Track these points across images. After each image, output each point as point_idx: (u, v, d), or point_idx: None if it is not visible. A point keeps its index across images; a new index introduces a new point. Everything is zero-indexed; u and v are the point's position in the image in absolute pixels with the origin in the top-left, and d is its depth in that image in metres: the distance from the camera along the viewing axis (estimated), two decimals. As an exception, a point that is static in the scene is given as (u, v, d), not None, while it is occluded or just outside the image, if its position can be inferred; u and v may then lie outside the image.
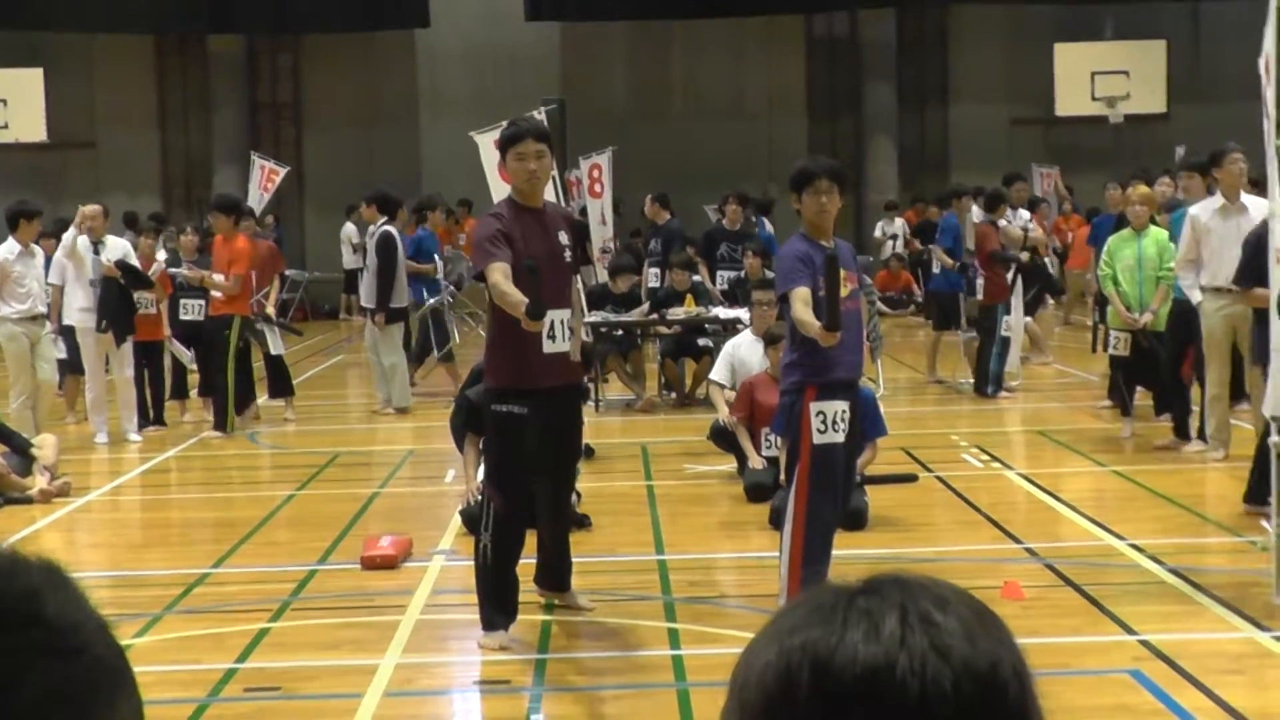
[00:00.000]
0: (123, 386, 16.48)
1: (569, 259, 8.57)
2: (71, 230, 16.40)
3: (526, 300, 7.75)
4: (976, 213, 18.79)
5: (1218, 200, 13.08)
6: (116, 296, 16.15)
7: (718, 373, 14.18)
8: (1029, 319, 19.87)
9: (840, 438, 8.28)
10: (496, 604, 8.41)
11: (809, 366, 8.29)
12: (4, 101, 31.03)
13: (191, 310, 17.20)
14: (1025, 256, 17.81)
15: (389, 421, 17.56)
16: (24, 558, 1.42)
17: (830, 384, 8.27)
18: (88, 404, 16.54)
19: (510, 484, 8.43)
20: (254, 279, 17.76)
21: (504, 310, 8.11)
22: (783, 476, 11.37)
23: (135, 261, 16.63)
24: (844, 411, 8.29)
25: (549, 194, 14.36)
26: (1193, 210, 13.21)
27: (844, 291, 8.23)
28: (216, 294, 16.45)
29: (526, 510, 8.59)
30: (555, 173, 15.56)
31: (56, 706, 1.32)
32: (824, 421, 8.20)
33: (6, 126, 31.07)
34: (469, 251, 31.03)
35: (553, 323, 8.18)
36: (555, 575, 9.04)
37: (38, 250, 15.90)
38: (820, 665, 1.24)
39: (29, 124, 31.11)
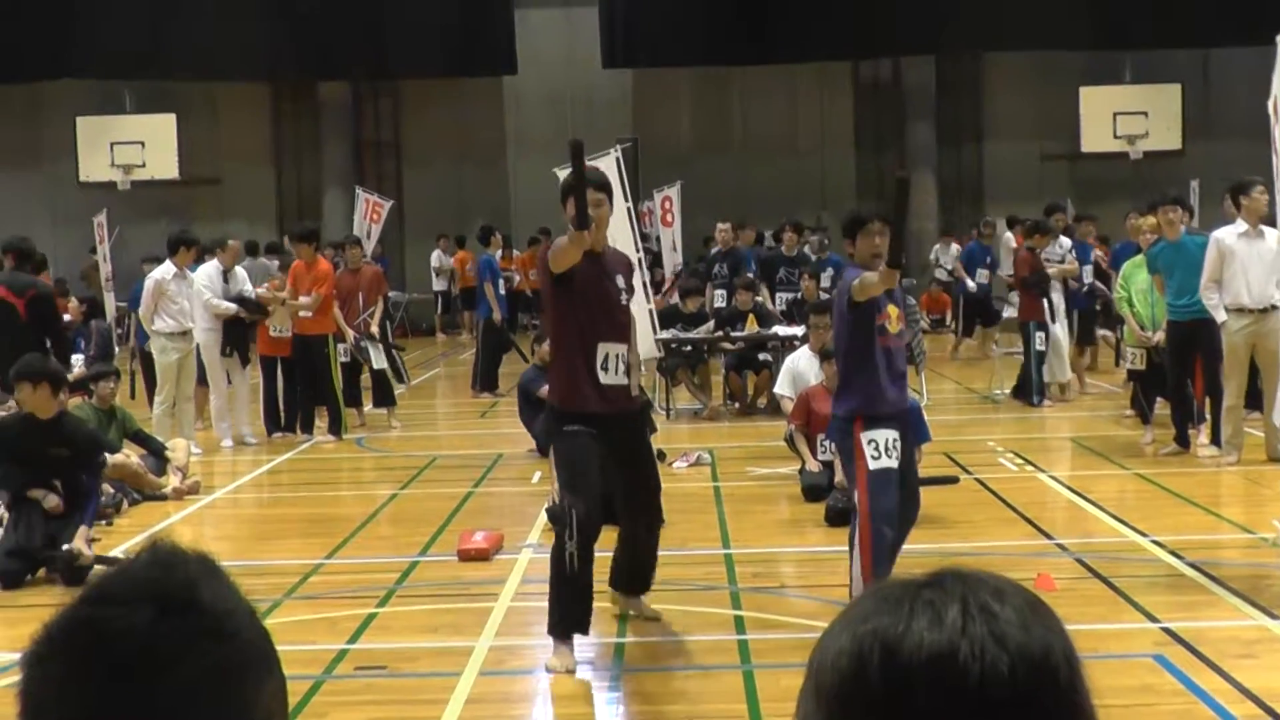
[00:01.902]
0: (242, 398, 16.67)
1: (625, 301, 8.20)
2: (216, 268, 16.61)
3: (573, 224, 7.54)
4: (1010, 239, 18.74)
5: (1241, 226, 12.95)
6: (238, 325, 16.49)
7: (781, 385, 14.29)
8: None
9: (893, 463, 8.13)
10: (574, 611, 7.86)
11: (859, 394, 8.19)
12: (142, 144, 31.42)
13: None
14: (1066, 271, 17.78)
15: (482, 427, 17.61)
16: (182, 550, 1.43)
17: (877, 416, 8.15)
18: (212, 412, 16.69)
19: (587, 491, 7.92)
20: (361, 300, 17.95)
21: (562, 334, 8.01)
22: (837, 478, 11.39)
23: (249, 287, 16.88)
24: (895, 439, 8.14)
25: (624, 226, 14.45)
26: (1218, 234, 13.07)
27: (894, 329, 8.17)
28: (305, 313, 16.56)
29: (602, 511, 8.18)
30: (630, 205, 15.60)
31: (212, 684, 1.34)
32: (876, 449, 8.10)
33: (144, 165, 31.48)
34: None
35: (607, 355, 7.95)
36: (629, 580, 8.63)
37: (189, 274, 16.12)
38: (889, 650, 1.24)
39: (163, 163, 31.46)
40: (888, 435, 8.10)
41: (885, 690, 1.23)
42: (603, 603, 8.54)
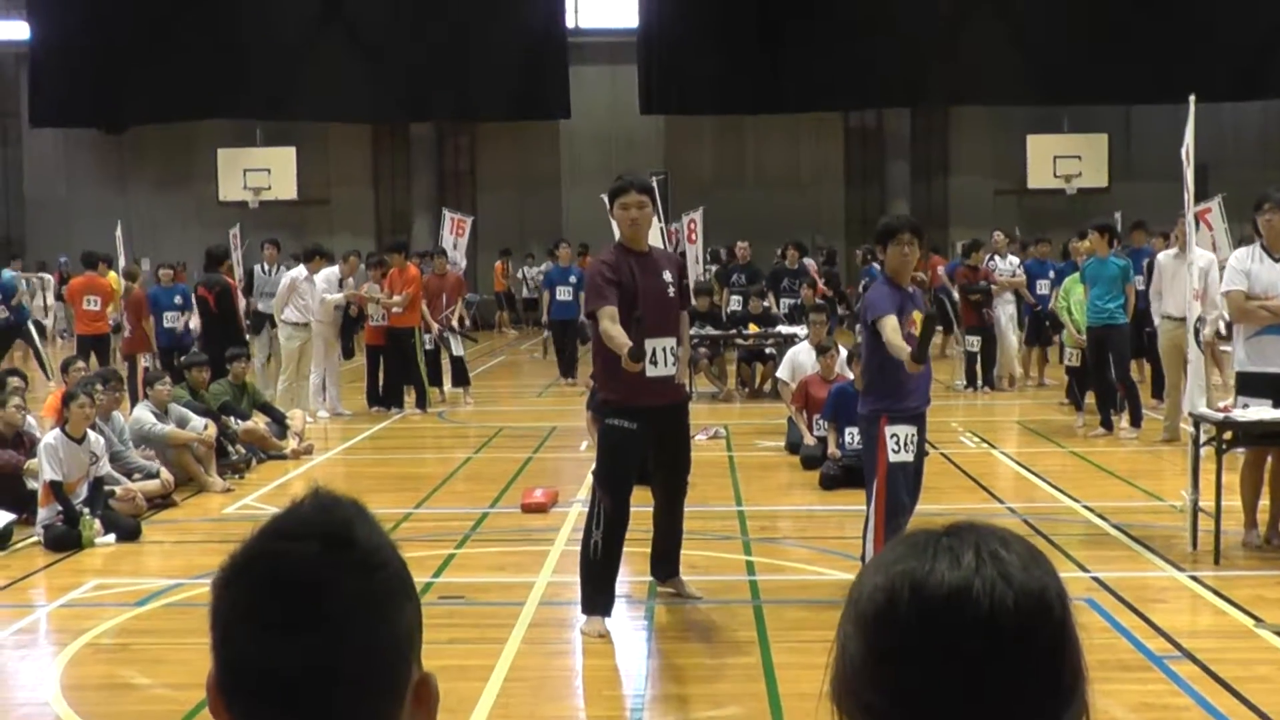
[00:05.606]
0: (336, 377, 16.72)
1: (673, 294, 7.31)
2: (335, 272, 16.67)
3: (630, 344, 6.67)
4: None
5: (1174, 249, 13.02)
6: (347, 321, 16.61)
7: (782, 372, 14.23)
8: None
9: (910, 457, 7.26)
10: (600, 590, 7.26)
11: (886, 397, 7.27)
12: (268, 171, 31.55)
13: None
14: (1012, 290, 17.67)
15: (540, 404, 17.61)
16: (338, 495, 1.41)
17: (902, 411, 7.28)
18: (311, 387, 16.40)
19: (619, 489, 7.21)
20: (445, 299, 17.97)
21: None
22: (829, 450, 11.30)
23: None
24: (913, 435, 7.27)
25: (656, 239, 14.40)
26: (1159, 257, 13.24)
27: (919, 332, 7.26)
28: (396, 309, 16.57)
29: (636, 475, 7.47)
30: (662, 225, 15.55)
31: (365, 606, 1.33)
32: (898, 443, 7.23)
33: (270, 188, 31.64)
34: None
35: (654, 350, 7.03)
36: (665, 564, 7.90)
37: (316, 278, 16.13)
38: (917, 586, 1.24)
39: (284, 186, 31.60)
40: (908, 431, 7.25)
41: (914, 618, 1.24)
42: (635, 548, 8.53)
